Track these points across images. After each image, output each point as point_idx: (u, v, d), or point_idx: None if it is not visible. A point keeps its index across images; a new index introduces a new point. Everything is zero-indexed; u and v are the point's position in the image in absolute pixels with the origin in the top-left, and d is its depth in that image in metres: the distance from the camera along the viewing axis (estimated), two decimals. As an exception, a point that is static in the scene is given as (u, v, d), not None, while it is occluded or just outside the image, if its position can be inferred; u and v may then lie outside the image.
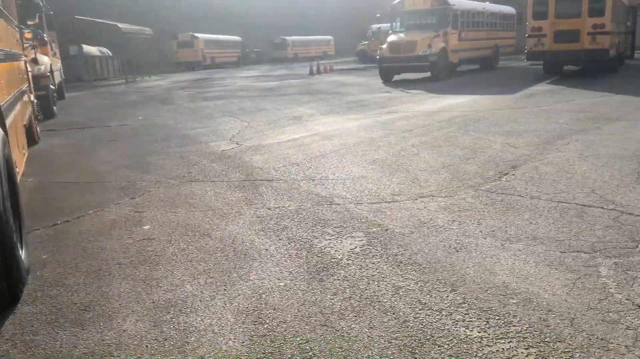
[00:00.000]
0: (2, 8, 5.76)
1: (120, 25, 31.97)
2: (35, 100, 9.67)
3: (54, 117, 13.71)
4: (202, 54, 49.37)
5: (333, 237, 4.30)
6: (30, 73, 9.46)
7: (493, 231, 4.29)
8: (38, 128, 9.76)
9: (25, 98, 7.37)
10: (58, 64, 18.71)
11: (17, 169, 4.70)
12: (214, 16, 60.38)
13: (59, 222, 5.08)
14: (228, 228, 4.66)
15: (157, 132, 10.48)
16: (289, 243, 4.21)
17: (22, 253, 3.56)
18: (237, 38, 57.54)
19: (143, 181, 6.54)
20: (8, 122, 4.26)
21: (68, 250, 4.32)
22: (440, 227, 4.41)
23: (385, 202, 5.16)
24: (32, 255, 4.23)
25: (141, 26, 38.37)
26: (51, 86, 13.44)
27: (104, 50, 36.78)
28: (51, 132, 11.21)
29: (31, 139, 8.53)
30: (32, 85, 9.09)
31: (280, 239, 4.32)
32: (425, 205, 5.01)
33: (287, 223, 4.69)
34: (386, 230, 4.40)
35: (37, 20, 9.69)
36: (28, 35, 10.43)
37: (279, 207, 5.18)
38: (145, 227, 4.80)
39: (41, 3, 14.28)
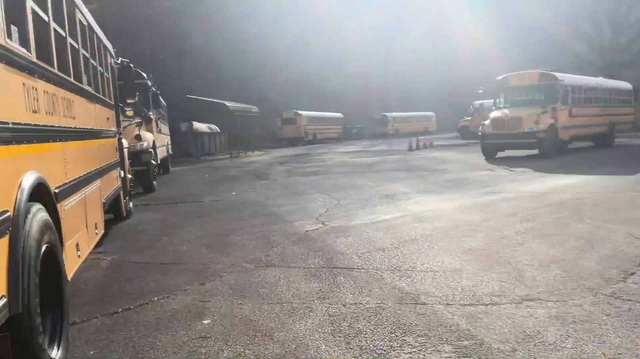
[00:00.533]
0: (90, 89, 5.82)
1: (228, 103, 33.60)
2: (130, 176, 9.86)
3: (153, 191, 14.09)
4: (305, 130, 50.79)
5: (414, 350, 3.55)
6: (126, 150, 9.70)
7: (619, 354, 3.35)
8: (131, 204, 9.89)
9: (113, 174, 7.39)
10: (165, 140, 19.65)
11: (79, 252, 4.45)
12: (317, 94, 62.43)
13: (120, 310, 4.73)
14: (294, 328, 4.06)
15: (245, 209, 10.28)
16: (361, 354, 3.52)
17: (57, 353, 3.16)
18: (339, 115, 58.88)
19: (218, 263, 6.15)
20: (67, 204, 4.03)
21: (118, 347, 3.90)
22: (550, 345, 3.54)
23: (481, 305, 4.35)
24: (79, 350, 3.85)
25: (248, 104, 40.21)
26: (152, 161, 13.90)
27: (213, 127, 38.74)
28: (145, 207, 11.40)
29: (119, 215, 8.56)
30: (126, 161, 9.28)
31: (350, 348, 3.64)
32: (532, 312, 4.14)
33: (362, 327, 4.01)
34: (481, 344, 3.59)
35: (136, 99, 10.07)
36: (130, 113, 10.86)
37: (355, 304, 4.52)
38: (205, 322, 4.32)
39: (149, 83, 15.15)
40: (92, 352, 3.81)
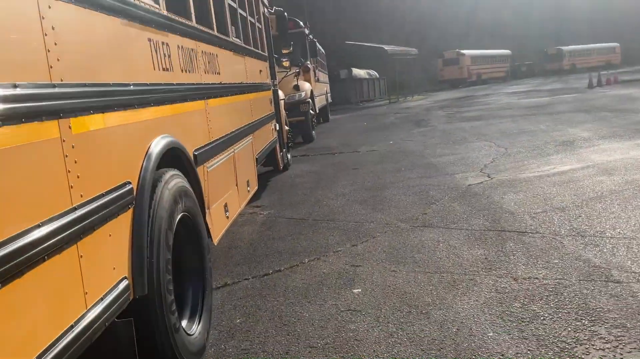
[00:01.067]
0: (238, 41, 5.61)
1: (386, 47, 32.68)
2: (287, 128, 9.80)
3: (312, 141, 14.12)
4: (468, 70, 48.16)
5: (608, 346, 2.84)
6: (283, 101, 9.61)
7: None
8: (289, 155, 9.87)
9: (268, 128, 7.28)
10: (324, 89, 19.62)
11: (228, 213, 4.31)
12: (482, 31, 58.61)
13: (270, 272, 4.57)
14: (454, 305, 3.53)
15: (402, 159, 9.75)
16: (538, 348, 2.90)
17: (197, 328, 3.00)
18: (506, 52, 54.81)
19: (372, 222, 5.76)
20: (211, 166, 3.85)
21: (264, 315, 3.70)
22: None
23: (698, 288, 3.42)
24: (226, 317, 3.72)
25: (408, 47, 38.88)
26: (311, 111, 13.86)
27: (372, 72, 38.25)
28: (303, 158, 11.39)
29: (276, 167, 8.53)
30: (282, 113, 9.18)
31: (524, 338, 3.03)
32: None
33: (538, 309, 3.35)
34: None
35: (291, 49, 9.87)
36: (286, 63, 10.73)
37: (529, 279, 3.83)
38: (355, 291, 3.96)
39: (306, 31, 14.98)
40: (238, 320, 3.66)
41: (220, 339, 3.41)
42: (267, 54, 7.94)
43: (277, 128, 8.17)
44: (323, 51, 21.82)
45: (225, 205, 4.28)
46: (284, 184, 8.52)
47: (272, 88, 8.21)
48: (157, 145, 2.69)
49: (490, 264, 4.19)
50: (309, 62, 15.01)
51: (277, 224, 6.12)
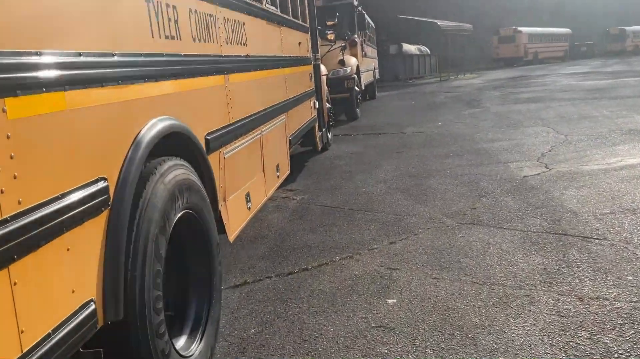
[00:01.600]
0: (272, 9, 5.06)
1: (439, 22, 31.39)
2: (329, 106, 9.23)
3: (356, 119, 13.49)
4: (524, 49, 46.08)
5: None
6: (325, 77, 9.03)
7: None
8: (329, 134, 9.33)
9: (306, 105, 6.74)
10: (371, 64, 18.80)
11: (250, 203, 3.83)
12: (541, 8, 56.00)
13: (296, 270, 4.08)
14: (507, 330, 2.96)
15: (451, 143, 9.06)
16: (612, 400, 2.32)
17: (197, 348, 2.54)
18: (565, 30, 52.18)
19: (414, 215, 5.20)
20: (229, 151, 3.35)
21: (283, 326, 3.23)
22: None
23: None
24: (239, 325, 3.26)
25: (462, 22, 37.33)
26: (356, 88, 13.20)
27: (423, 48, 36.93)
28: (345, 137, 10.81)
29: (314, 148, 8.01)
30: (324, 89, 8.61)
31: (595, 384, 2.44)
32: None
33: (610, 343, 2.75)
34: None
35: (336, 21, 9.23)
36: (331, 36, 10.11)
37: (597, 299, 3.22)
38: (389, 301, 3.43)
39: (354, 2, 14.23)
40: (253, 331, 3.19)
41: (229, 354, 2.96)
42: (308, 25, 7.36)
43: (317, 106, 7.62)
44: (373, 25, 20.92)
45: (248, 195, 3.80)
46: (321, 166, 8.00)
47: (313, 62, 7.64)
48: (151, 130, 2.20)
49: (550, 277, 3.58)
50: (356, 36, 14.26)
51: (309, 212, 5.62)
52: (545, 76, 26.94)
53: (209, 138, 2.96)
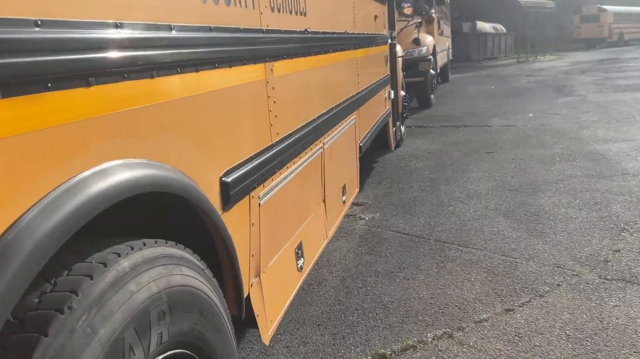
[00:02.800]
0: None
1: (518, -2, 28.82)
2: (403, 93, 7.76)
3: (429, 106, 11.88)
4: (609, 29, 42.45)
5: None
6: (401, 59, 7.55)
7: None
8: (402, 128, 7.88)
9: (380, 97, 5.32)
10: (446, 44, 16.99)
11: (302, 261, 2.49)
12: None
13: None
14: None
15: (552, 142, 7.42)
16: None
17: None
18: (655, 9, 47.78)
19: (531, 259, 3.73)
20: (268, 191, 2.02)
21: None
22: None
23: None
24: None
25: (542, -1, 34.45)
26: (431, 71, 11.57)
27: (498, 27, 34.38)
28: (418, 130, 9.29)
29: (386, 146, 6.58)
30: (399, 75, 7.15)
31: None
32: None
33: None
34: None
35: (417, -9, 7.72)
36: (408, 10, 8.58)
37: None
38: None
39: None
40: None
41: None
42: (386, -4, 5.91)
43: (392, 96, 6.18)
44: (448, -1, 19.02)
45: (299, 248, 2.47)
46: (394, 169, 6.57)
47: (390, 41, 6.18)
48: (67, 202, 0.90)
49: None
50: (433, 11, 12.54)
51: (383, 242, 4.24)
52: (637, 59, 24.18)
53: (228, 180, 1.63)
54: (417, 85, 11.21)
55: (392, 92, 6.17)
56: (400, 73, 7.40)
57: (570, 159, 6.40)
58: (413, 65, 10.91)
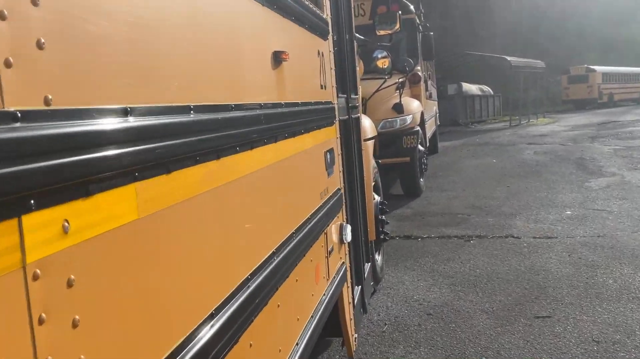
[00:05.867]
0: None
1: (509, 58, 26.39)
2: (378, 199, 4.55)
3: (418, 195, 8.62)
4: (598, 89, 40.62)
5: None
6: (370, 143, 4.37)
7: None
8: (379, 260, 4.62)
9: (304, 267, 2.03)
10: (433, 108, 13.95)
11: None
12: (608, 45, 50.86)
13: None
14: None
15: (627, 274, 4.17)
16: None
17: None
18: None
19: None
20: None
21: None
22: None
23: None
24: None
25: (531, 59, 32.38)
26: (420, 147, 8.42)
27: (485, 88, 32.11)
28: (406, 246, 5.99)
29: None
30: (369, 170, 3.96)
31: None
32: None
33: None
34: None
35: (397, 27, 4.64)
36: (383, 63, 5.51)
37: None
38: None
39: (417, 20, 9.65)
40: None
41: None
42: (326, 18, 2.73)
43: (348, 237, 2.86)
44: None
45: None
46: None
47: (346, 116, 2.98)
48: None
49: None
50: (419, 67, 9.49)
51: None
52: (637, 123, 21.61)
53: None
54: (402, 167, 8.07)
55: (349, 225, 2.85)
56: (370, 166, 4.19)
57: None
58: (395, 140, 7.81)
